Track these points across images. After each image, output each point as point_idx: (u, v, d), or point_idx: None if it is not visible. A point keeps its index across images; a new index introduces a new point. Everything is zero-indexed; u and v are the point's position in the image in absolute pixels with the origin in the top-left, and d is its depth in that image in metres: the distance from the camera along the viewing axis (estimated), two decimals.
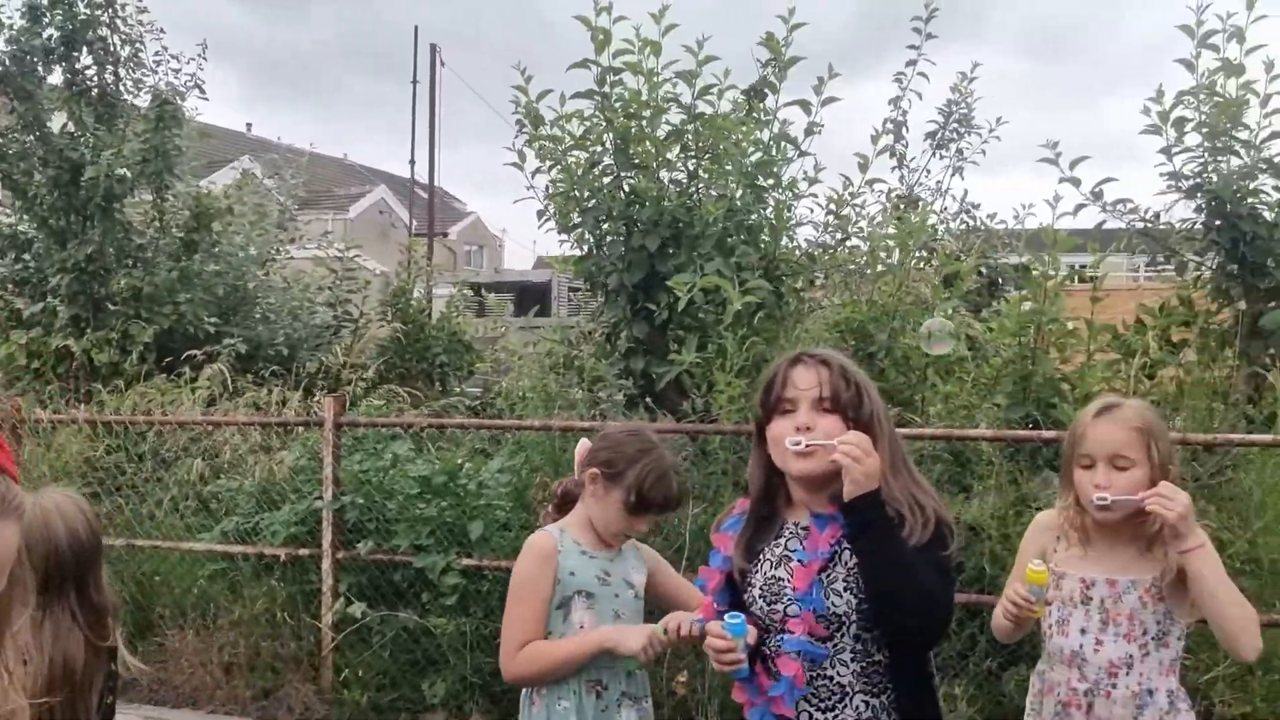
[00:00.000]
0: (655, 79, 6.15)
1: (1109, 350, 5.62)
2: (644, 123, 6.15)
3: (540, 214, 6.57)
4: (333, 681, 5.36)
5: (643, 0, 6.11)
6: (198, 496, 6.16)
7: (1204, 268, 6.11)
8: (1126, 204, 6.17)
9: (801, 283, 6.58)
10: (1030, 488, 4.66)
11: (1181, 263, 6.27)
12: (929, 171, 8.84)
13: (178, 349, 7.97)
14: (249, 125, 34.56)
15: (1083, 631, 2.52)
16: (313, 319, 9.31)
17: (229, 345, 7.88)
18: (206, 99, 9.48)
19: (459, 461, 5.57)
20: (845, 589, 2.19)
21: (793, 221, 6.55)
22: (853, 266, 6.61)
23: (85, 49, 8.66)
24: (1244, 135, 5.82)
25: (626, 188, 6.22)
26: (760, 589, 2.28)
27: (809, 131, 6.43)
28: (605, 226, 6.28)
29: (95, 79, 8.77)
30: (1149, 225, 6.23)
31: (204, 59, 9.09)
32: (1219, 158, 5.82)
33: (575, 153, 6.35)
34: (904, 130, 8.28)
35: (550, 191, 6.47)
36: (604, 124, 6.20)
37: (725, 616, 2.20)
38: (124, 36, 8.83)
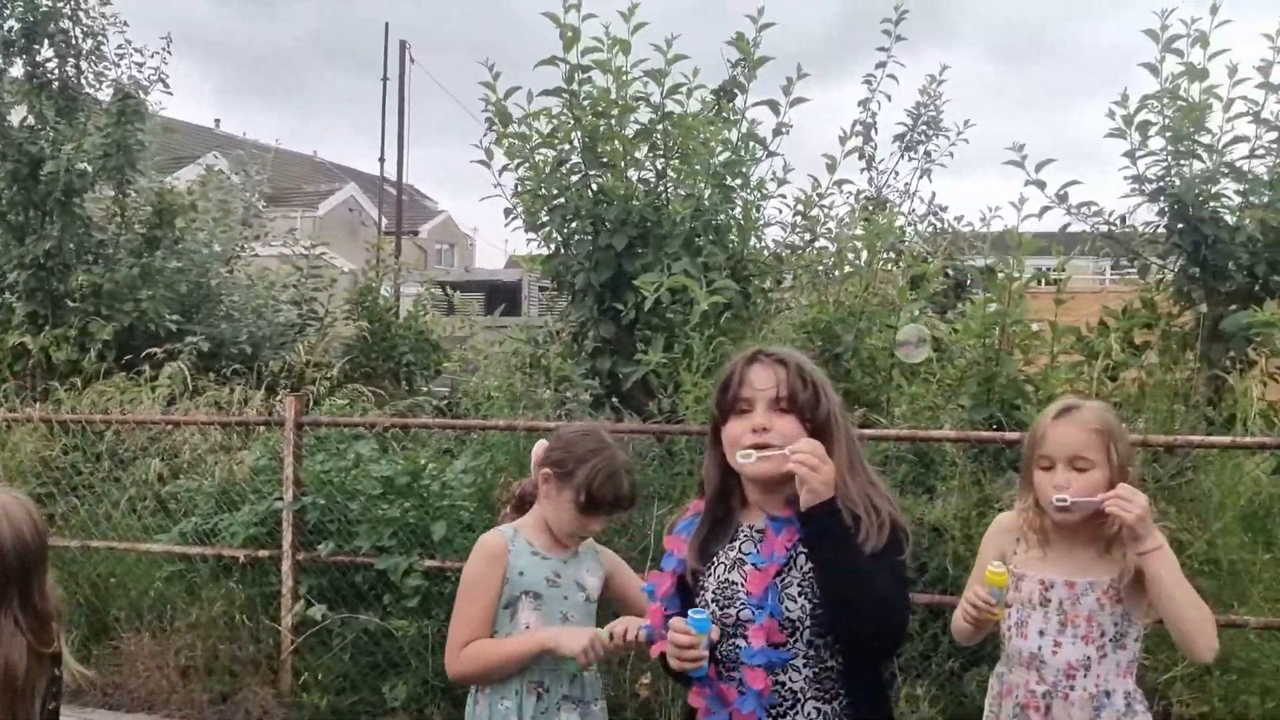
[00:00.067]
0: (624, 77, 6.13)
1: (1072, 352, 5.65)
2: (612, 121, 6.13)
3: (508, 212, 6.54)
4: (292, 685, 5.29)
5: None
6: (156, 497, 6.08)
7: (1166, 271, 6.17)
8: (1091, 207, 6.22)
9: (769, 283, 6.59)
10: (993, 489, 4.67)
11: (1144, 265, 6.33)
12: (897, 173, 8.89)
13: (138, 347, 7.87)
14: (217, 121, 34.14)
15: (1041, 633, 2.52)
16: (277, 317, 9.20)
17: (191, 343, 7.78)
18: (170, 93, 9.37)
19: (422, 462, 5.51)
20: (800, 594, 2.16)
21: (761, 222, 6.56)
22: (820, 267, 6.62)
23: (46, 41, 8.53)
24: (1206, 139, 5.89)
25: (594, 186, 6.19)
26: (714, 592, 2.24)
27: (777, 132, 6.45)
28: (573, 225, 6.25)
29: (56, 72, 8.65)
30: (1113, 228, 6.28)
31: (168, 53, 8.99)
32: (1182, 161, 5.88)
33: (543, 151, 6.32)
34: (873, 132, 8.32)
35: (518, 189, 6.43)
36: (572, 122, 6.17)
37: (690, 612, 2.15)
38: (86, 29, 8.72)
